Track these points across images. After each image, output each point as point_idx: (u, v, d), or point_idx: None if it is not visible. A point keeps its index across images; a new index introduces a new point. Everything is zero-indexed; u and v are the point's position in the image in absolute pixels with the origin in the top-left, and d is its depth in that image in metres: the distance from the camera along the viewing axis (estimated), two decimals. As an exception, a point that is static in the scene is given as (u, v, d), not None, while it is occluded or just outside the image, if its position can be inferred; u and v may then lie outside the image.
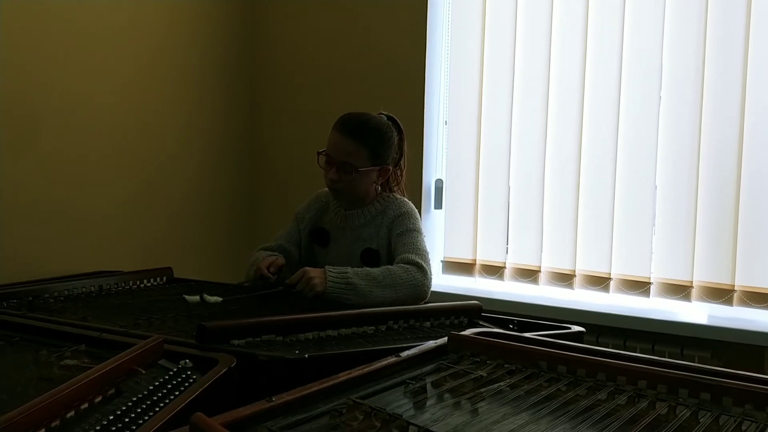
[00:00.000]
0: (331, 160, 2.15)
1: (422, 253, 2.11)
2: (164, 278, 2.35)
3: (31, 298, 1.97)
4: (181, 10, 3.07)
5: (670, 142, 2.61)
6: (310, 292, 1.97)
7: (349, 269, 2.01)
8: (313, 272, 1.99)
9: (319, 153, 2.19)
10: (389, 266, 2.07)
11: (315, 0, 3.30)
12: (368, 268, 2.04)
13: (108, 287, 2.17)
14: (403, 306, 1.88)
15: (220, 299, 1.93)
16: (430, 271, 2.10)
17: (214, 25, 3.24)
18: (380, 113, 2.26)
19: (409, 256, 2.08)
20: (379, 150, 2.17)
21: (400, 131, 2.26)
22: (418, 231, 2.18)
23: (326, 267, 2.01)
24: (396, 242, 2.15)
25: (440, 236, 3.09)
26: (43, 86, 2.55)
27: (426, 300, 2.08)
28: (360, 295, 1.97)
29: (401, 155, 2.28)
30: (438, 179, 3.10)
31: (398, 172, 2.30)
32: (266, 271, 2.11)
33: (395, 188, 2.30)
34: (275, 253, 2.24)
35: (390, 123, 2.24)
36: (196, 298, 1.94)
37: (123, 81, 2.83)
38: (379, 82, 3.11)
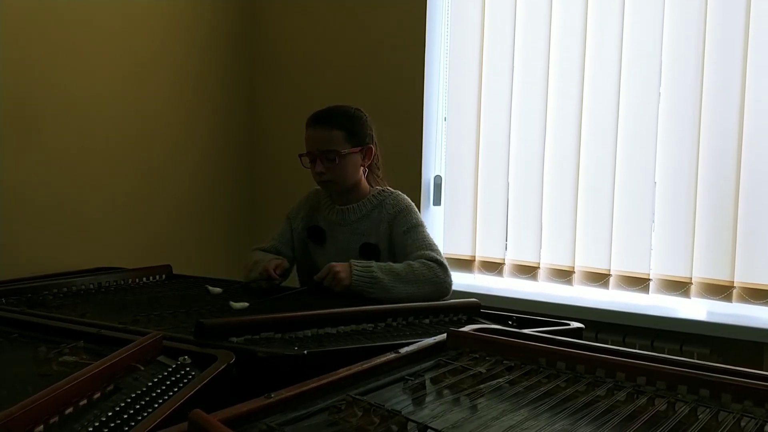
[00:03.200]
0: (313, 156, 2.17)
1: (436, 248, 2.15)
2: (163, 275, 2.36)
3: (30, 295, 1.97)
4: (181, 9, 3.07)
5: (670, 138, 2.61)
6: (337, 286, 2.00)
7: (373, 263, 2.05)
8: (339, 266, 2.03)
9: (300, 156, 2.21)
10: (411, 262, 2.09)
11: (314, -4, 3.30)
12: (391, 263, 2.08)
13: (107, 284, 2.18)
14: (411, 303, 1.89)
15: (246, 305, 1.88)
16: (448, 266, 2.13)
17: (214, 23, 3.24)
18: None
19: (426, 252, 2.11)
20: (353, 129, 2.19)
21: (367, 116, 2.27)
22: (422, 225, 2.21)
23: (351, 261, 2.05)
24: (404, 240, 2.17)
25: (439, 232, 3.09)
26: (43, 84, 2.55)
27: (448, 297, 2.10)
28: (383, 290, 2.00)
29: (376, 145, 2.28)
30: (437, 175, 3.10)
31: (376, 162, 2.30)
32: (273, 272, 2.12)
33: (376, 176, 2.30)
34: (280, 257, 2.23)
35: (357, 108, 2.26)
36: (245, 304, 1.88)
37: (123, 79, 2.83)
38: (378, 79, 3.11)
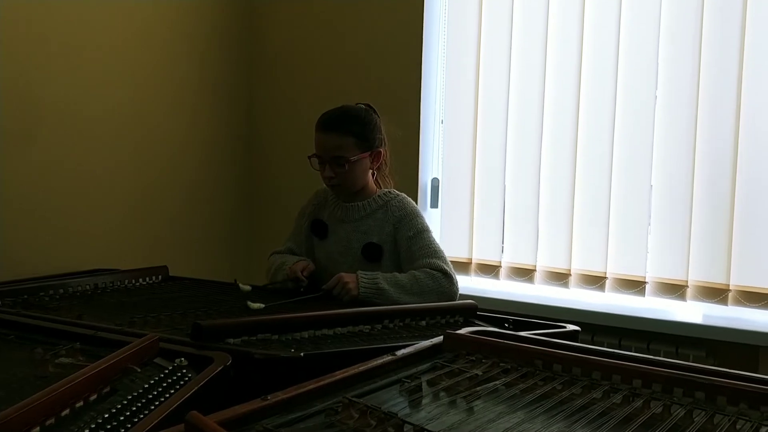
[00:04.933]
0: (323, 160, 2.18)
1: (441, 255, 2.16)
2: (159, 277, 2.35)
3: (26, 296, 1.96)
4: (179, 15, 3.07)
5: (666, 141, 2.61)
6: (345, 296, 2.03)
7: (379, 275, 2.06)
8: (348, 277, 2.05)
9: (309, 157, 2.22)
10: (415, 272, 2.09)
11: (311, 0, 3.30)
12: (396, 274, 2.09)
13: (104, 285, 2.17)
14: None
15: (263, 306, 1.92)
16: (454, 273, 2.14)
17: (212, 29, 3.24)
18: (357, 104, 2.29)
19: (432, 261, 2.12)
20: (364, 135, 2.19)
21: (378, 117, 2.28)
22: (427, 230, 2.22)
23: (359, 272, 2.07)
24: (410, 245, 2.17)
25: (436, 235, 3.07)
26: (44, 87, 2.55)
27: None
28: (389, 301, 2.02)
29: (385, 142, 2.29)
30: (434, 178, 3.10)
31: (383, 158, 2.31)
32: (300, 274, 2.17)
33: (385, 170, 2.32)
34: (306, 259, 2.28)
35: (368, 108, 2.27)
36: (261, 305, 1.93)
37: (122, 82, 2.83)
38: (375, 82, 3.11)
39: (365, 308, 1.82)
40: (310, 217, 2.36)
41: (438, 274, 2.09)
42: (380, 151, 2.24)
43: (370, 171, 2.25)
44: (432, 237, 2.21)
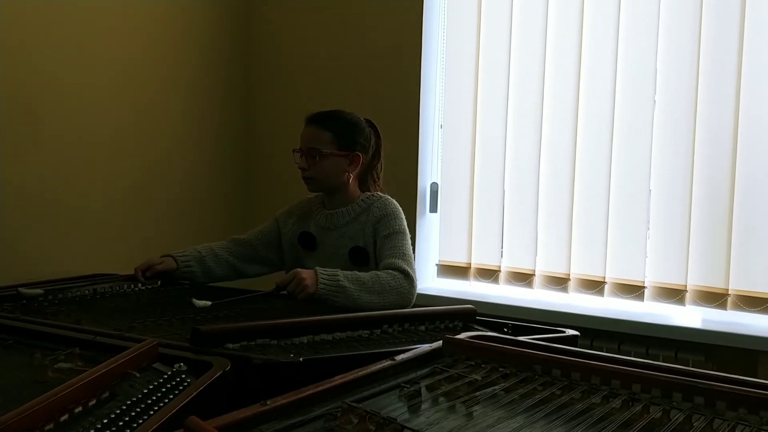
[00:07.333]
0: (302, 153, 2.22)
1: (408, 259, 2.14)
2: (158, 281, 2.35)
3: (25, 301, 1.96)
4: (178, 8, 3.08)
5: (665, 146, 2.62)
6: (300, 293, 1.98)
7: (339, 272, 2.03)
8: (305, 273, 2.00)
9: (294, 151, 2.25)
10: (378, 272, 2.09)
11: (311, 1, 3.30)
12: (358, 273, 2.07)
13: (102, 290, 2.17)
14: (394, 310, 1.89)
15: (209, 303, 1.91)
16: (416, 277, 2.13)
17: (210, 23, 3.25)
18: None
19: (397, 261, 2.11)
20: (343, 134, 2.21)
21: (377, 134, 2.30)
22: (403, 233, 2.20)
23: (317, 268, 2.03)
24: (382, 244, 2.17)
25: (435, 239, 3.09)
26: (37, 91, 2.55)
27: (410, 306, 2.09)
28: (348, 299, 1.99)
29: (378, 157, 2.31)
30: (433, 183, 3.10)
31: (374, 173, 2.32)
32: (139, 275, 2.20)
33: (372, 187, 2.32)
34: (166, 257, 2.27)
35: (362, 119, 2.28)
36: (207, 302, 1.91)
37: (118, 83, 2.84)
38: (375, 85, 3.12)
39: (364, 313, 1.81)
40: (296, 227, 2.35)
41: (399, 275, 2.07)
42: (359, 155, 2.23)
43: (347, 174, 2.23)
44: (406, 241, 2.19)
